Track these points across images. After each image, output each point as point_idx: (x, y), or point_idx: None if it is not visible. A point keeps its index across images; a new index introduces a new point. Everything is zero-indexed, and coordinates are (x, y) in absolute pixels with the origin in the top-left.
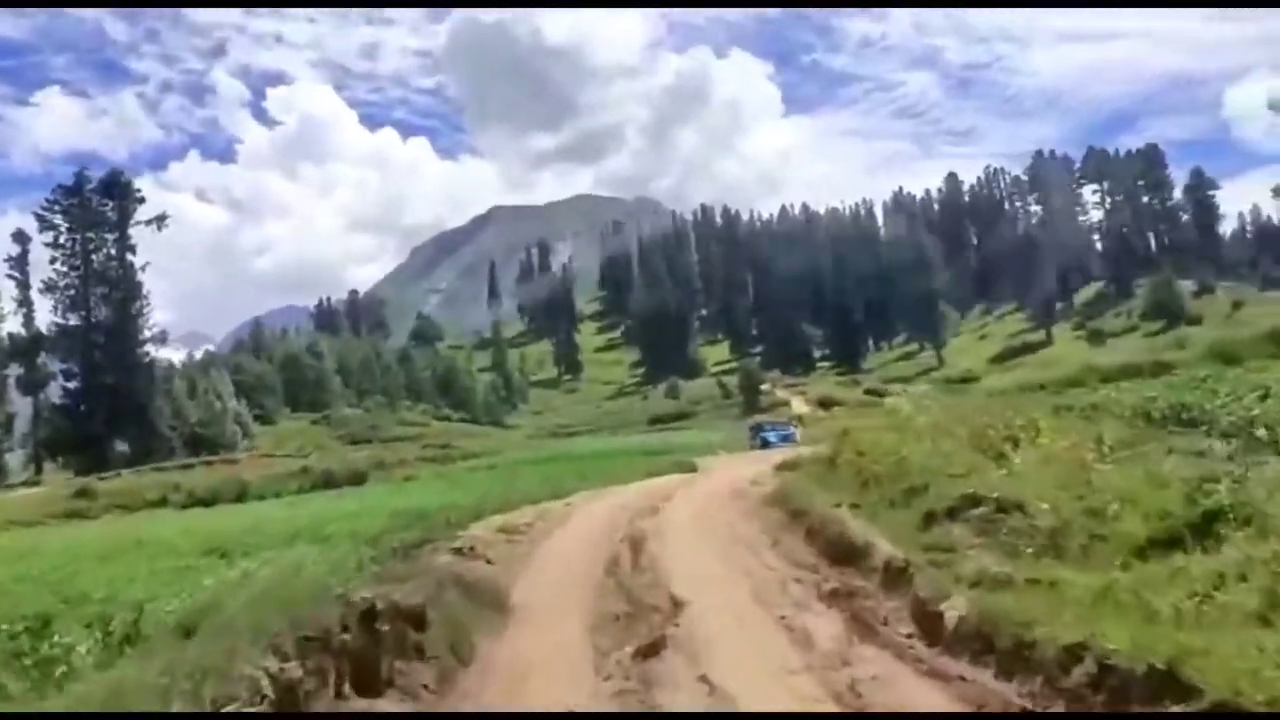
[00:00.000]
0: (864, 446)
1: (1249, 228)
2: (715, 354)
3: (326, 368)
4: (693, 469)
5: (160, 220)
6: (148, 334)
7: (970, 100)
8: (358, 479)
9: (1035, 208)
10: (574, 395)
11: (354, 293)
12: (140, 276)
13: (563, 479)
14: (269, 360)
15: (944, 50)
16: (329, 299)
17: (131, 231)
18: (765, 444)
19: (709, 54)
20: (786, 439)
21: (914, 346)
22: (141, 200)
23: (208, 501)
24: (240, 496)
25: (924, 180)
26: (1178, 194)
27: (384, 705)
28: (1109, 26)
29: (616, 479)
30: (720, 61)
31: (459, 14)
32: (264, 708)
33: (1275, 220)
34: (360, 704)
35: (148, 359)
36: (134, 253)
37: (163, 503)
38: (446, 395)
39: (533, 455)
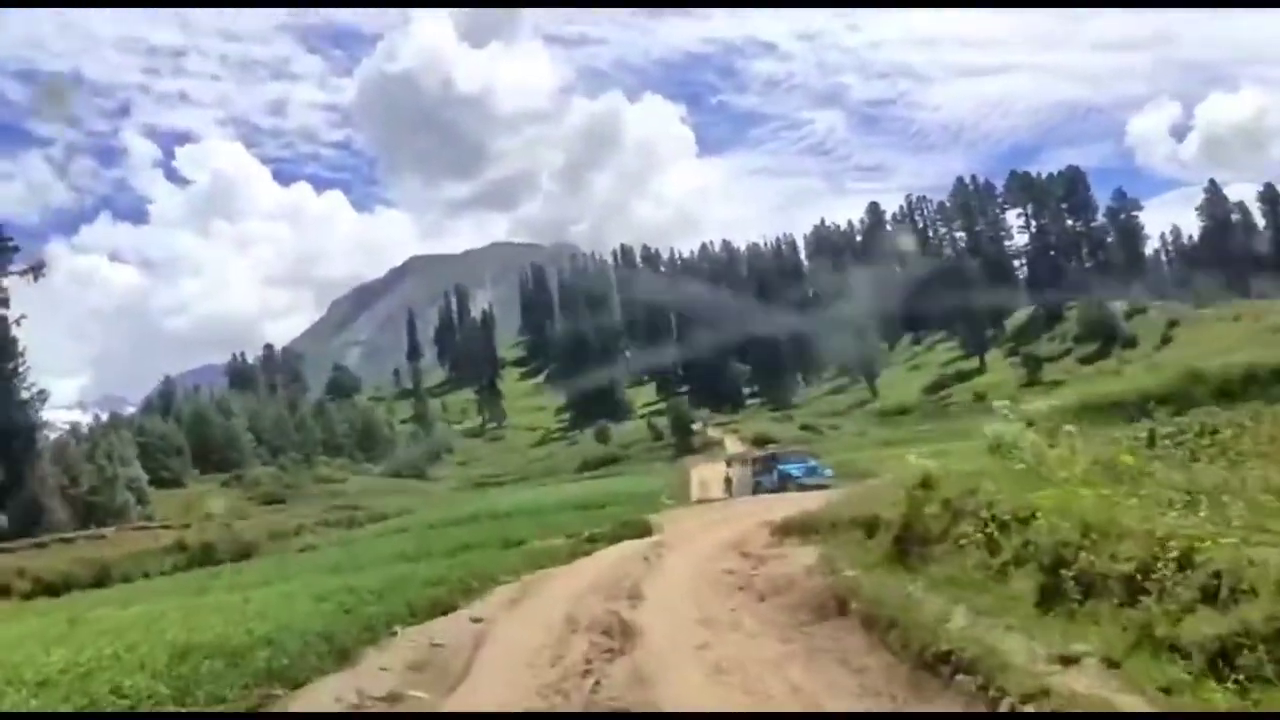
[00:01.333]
0: (1010, 508)
1: (1169, 249)
2: (642, 395)
3: (237, 425)
4: (646, 530)
5: (37, 269)
6: (25, 395)
7: (877, 136)
8: (243, 552)
9: (960, 234)
10: (499, 443)
11: (269, 347)
12: (15, 332)
13: (481, 550)
14: (176, 420)
15: (848, 88)
16: (242, 355)
17: (5, 283)
18: (780, 485)
19: (620, 98)
20: (812, 473)
21: (844, 380)
22: (15, 249)
23: (56, 589)
24: (101, 580)
25: (835, 216)
26: (1100, 217)
27: None
28: (1003, 60)
29: (550, 554)
30: (633, 105)
31: (367, 65)
32: None
33: (1196, 240)
34: None
35: (27, 423)
36: (6, 306)
37: (4, 592)
38: (366, 449)
39: (451, 514)
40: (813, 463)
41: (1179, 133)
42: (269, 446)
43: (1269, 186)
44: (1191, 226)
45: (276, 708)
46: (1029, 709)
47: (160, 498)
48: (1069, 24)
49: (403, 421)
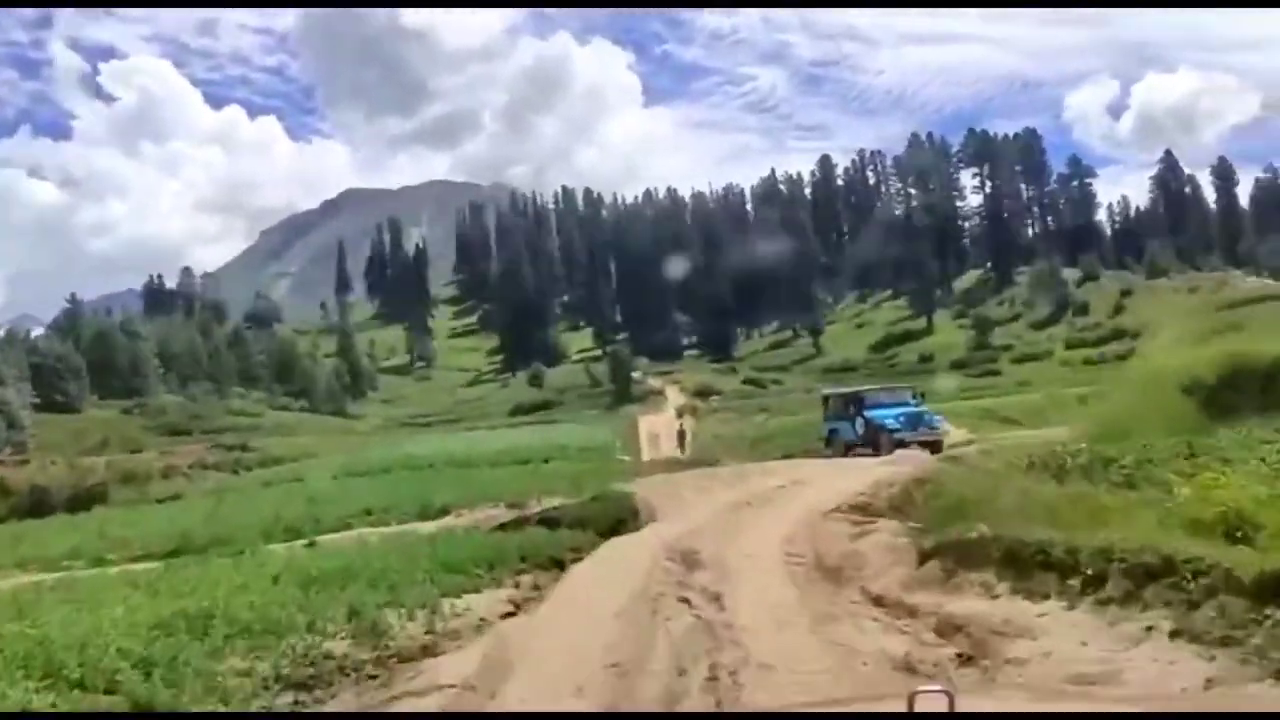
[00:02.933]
0: None
1: (1116, 220)
2: (578, 341)
3: (143, 349)
4: (632, 511)
5: None
6: None
7: (819, 97)
8: (89, 499)
9: (913, 192)
10: (428, 383)
11: (187, 270)
12: None
13: (385, 517)
14: (76, 341)
15: (793, 47)
16: (160, 278)
17: None
18: (870, 440)
19: (570, 40)
20: (916, 424)
21: (787, 334)
22: None
23: None
24: None
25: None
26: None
27: None
28: (949, 29)
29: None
30: (581, 49)
31: None
32: None
33: (1144, 211)
34: None
35: None
36: None
37: None
38: (285, 382)
39: (360, 463)
40: (915, 405)
41: (1115, 111)
42: (178, 374)
43: (1222, 160)
44: (1139, 198)
45: None
46: None
47: (49, 423)
48: None
49: (326, 356)
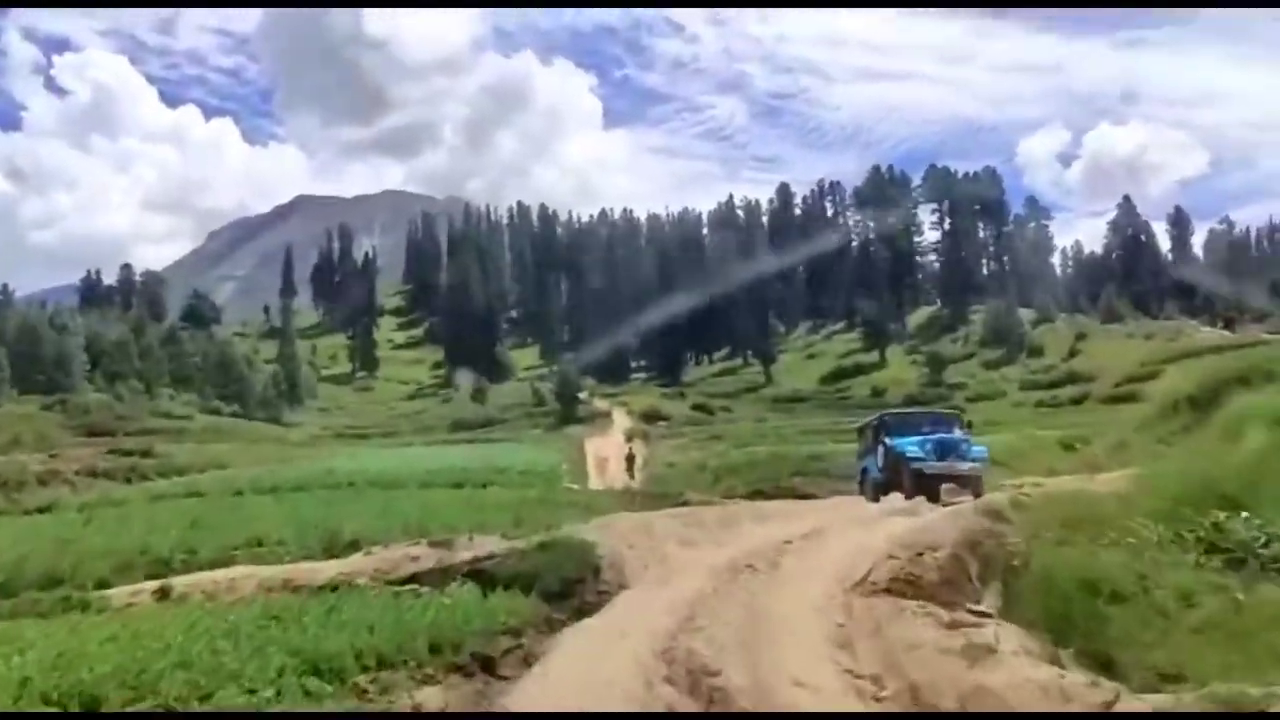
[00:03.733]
0: None
1: (1069, 264)
2: (524, 358)
3: (71, 344)
4: (593, 568)
5: None
6: None
7: (776, 128)
8: None
9: (871, 224)
10: (368, 394)
11: (126, 267)
12: None
13: (277, 548)
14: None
15: (752, 78)
16: (98, 273)
17: None
18: (888, 478)
19: (533, 59)
20: (945, 453)
21: (738, 361)
22: None
23: None
24: None
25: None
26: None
27: None
28: (906, 68)
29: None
30: (544, 68)
31: None
32: None
33: (1098, 255)
34: None
35: None
36: None
37: None
38: (219, 385)
39: (270, 478)
40: (953, 434)
41: (1066, 159)
42: (105, 372)
43: (1178, 210)
44: (1091, 244)
45: None
46: None
47: None
48: (973, 40)
49: (267, 361)
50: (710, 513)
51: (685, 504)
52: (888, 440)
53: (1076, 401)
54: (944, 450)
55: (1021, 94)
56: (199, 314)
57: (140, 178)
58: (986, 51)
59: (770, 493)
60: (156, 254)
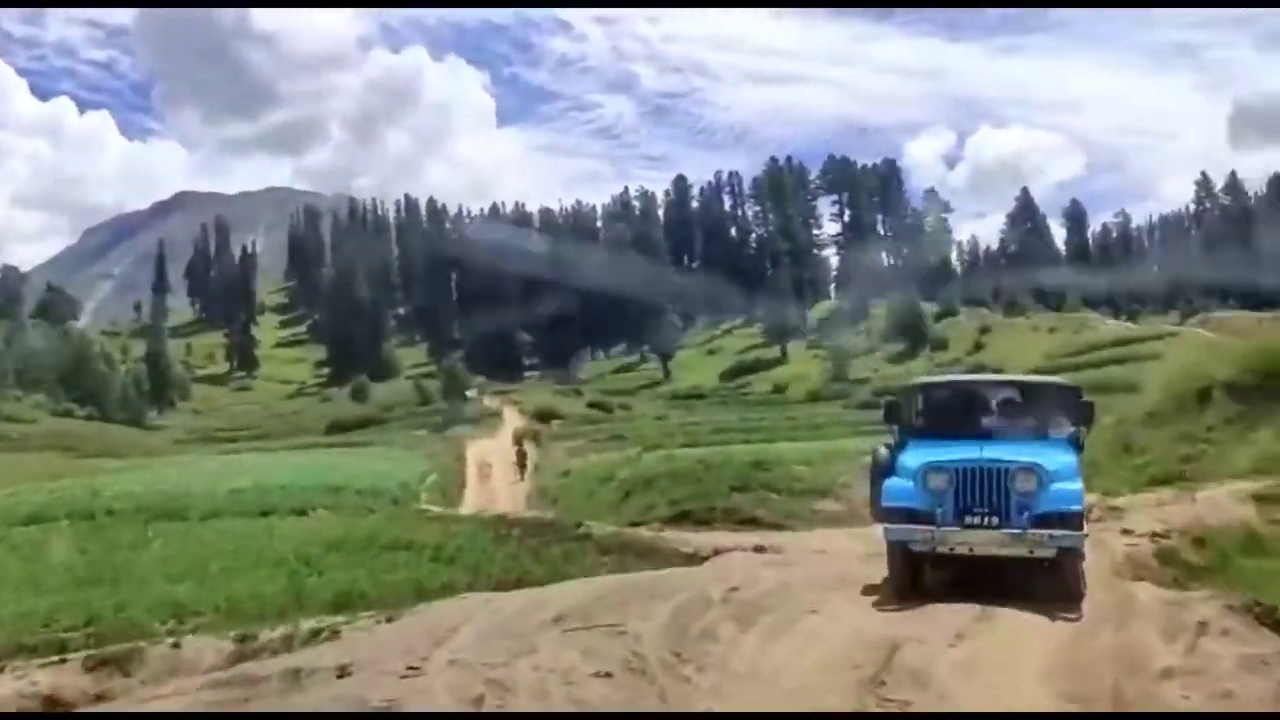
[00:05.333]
0: None
1: (966, 257)
2: (412, 356)
3: None
4: None
5: None
6: None
7: (664, 128)
8: None
9: (771, 216)
10: (245, 394)
11: None
12: None
13: None
14: None
15: (640, 78)
16: None
17: None
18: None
19: (424, 55)
20: (1024, 512)
21: (635, 357)
22: None
23: None
24: None
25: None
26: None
27: None
28: (794, 70)
29: None
30: (435, 65)
31: None
32: None
33: (995, 250)
34: None
35: None
36: None
37: None
38: (75, 385)
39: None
40: (1028, 440)
41: (951, 161)
42: None
43: (1074, 203)
44: (987, 239)
45: None
46: None
47: None
48: (858, 44)
49: (138, 360)
50: (638, 582)
51: (585, 537)
52: (899, 455)
53: None
54: (983, 492)
55: (905, 97)
56: (54, 308)
57: (10, 172)
58: (871, 54)
59: (703, 517)
60: (28, 252)
